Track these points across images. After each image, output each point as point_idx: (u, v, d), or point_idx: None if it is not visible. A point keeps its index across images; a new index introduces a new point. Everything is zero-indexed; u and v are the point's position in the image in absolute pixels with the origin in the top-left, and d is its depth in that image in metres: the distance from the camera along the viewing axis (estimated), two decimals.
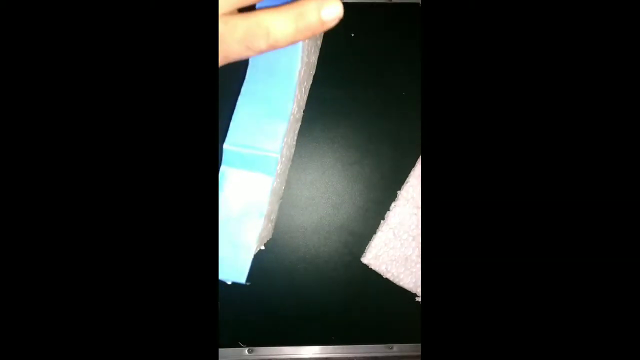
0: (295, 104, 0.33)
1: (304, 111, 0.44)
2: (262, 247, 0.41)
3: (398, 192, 0.45)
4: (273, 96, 0.30)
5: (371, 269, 0.45)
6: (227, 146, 0.28)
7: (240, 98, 0.29)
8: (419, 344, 0.45)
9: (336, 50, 0.45)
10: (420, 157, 0.45)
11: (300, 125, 0.44)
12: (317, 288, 0.45)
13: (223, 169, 0.29)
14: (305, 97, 0.41)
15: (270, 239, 0.43)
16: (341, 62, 0.46)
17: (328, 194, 0.46)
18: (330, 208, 0.46)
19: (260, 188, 0.30)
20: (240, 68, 0.29)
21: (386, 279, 0.45)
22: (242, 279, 0.29)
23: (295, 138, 0.42)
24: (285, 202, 0.45)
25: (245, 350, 0.44)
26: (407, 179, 0.45)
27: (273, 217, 0.40)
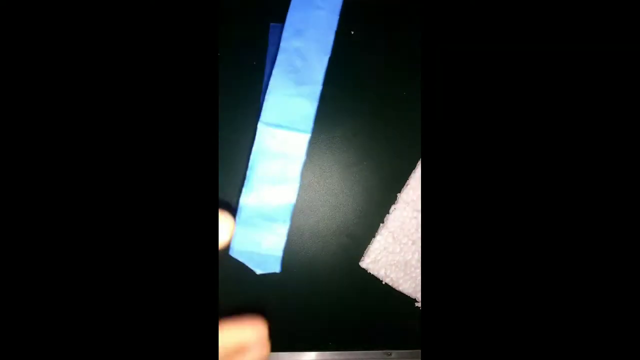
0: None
1: None
2: None
3: (398, 194, 0.44)
4: (304, 78, 0.32)
5: (370, 273, 0.44)
6: (261, 125, 0.31)
7: (272, 79, 0.31)
8: (418, 350, 0.44)
9: (335, 49, 0.44)
10: (421, 159, 0.44)
11: None
12: (315, 292, 0.44)
13: (256, 148, 0.31)
14: None
15: None
16: (340, 60, 0.44)
17: (326, 196, 0.44)
18: (329, 211, 0.45)
19: (291, 170, 0.32)
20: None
21: (385, 283, 0.44)
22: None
23: None
24: None
25: None
26: (408, 182, 0.44)
27: None
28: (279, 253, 0.31)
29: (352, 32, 0.44)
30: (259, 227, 0.32)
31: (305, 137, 0.31)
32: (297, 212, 0.44)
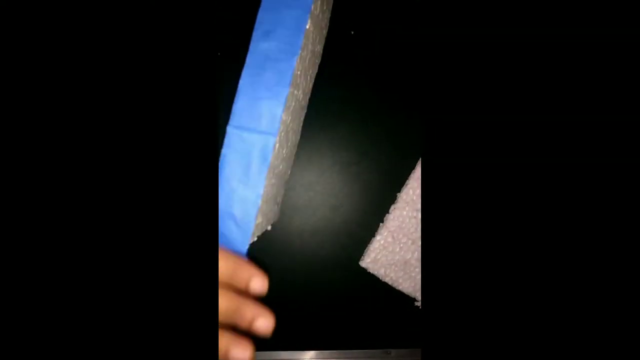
0: (300, 91, 0.35)
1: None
2: (269, 228, 0.42)
3: (398, 194, 0.44)
4: (271, 80, 0.32)
5: (369, 272, 0.44)
6: (229, 129, 0.31)
7: (241, 81, 0.31)
8: (418, 350, 0.44)
9: (336, 49, 0.44)
10: (421, 158, 0.44)
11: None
12: (314, 292, 0.44)
13: (224, 151, 0.32)
14: (310, 85, 0.41)
15: (268, 230, 0.43)
16: (340, 59, 0.44)
17: (326, 195, 0.45)
18: (329, 210, 0.45)
19: (256, 171, 0.32)
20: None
21: (385, 283, 0.44)
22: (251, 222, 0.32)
23: (301, 125, 0.43)
24: (282, 204, 0.44)
25: None
26: (408, 181, 0.44)
27: (279, 199, 0.42)
28: (244, 250, 0.32)
29: (352, 32, 0.45)
30: (227, 227, 0.33)
31: (272, 140, 0.32)
32: (298, 212, 0.44)
